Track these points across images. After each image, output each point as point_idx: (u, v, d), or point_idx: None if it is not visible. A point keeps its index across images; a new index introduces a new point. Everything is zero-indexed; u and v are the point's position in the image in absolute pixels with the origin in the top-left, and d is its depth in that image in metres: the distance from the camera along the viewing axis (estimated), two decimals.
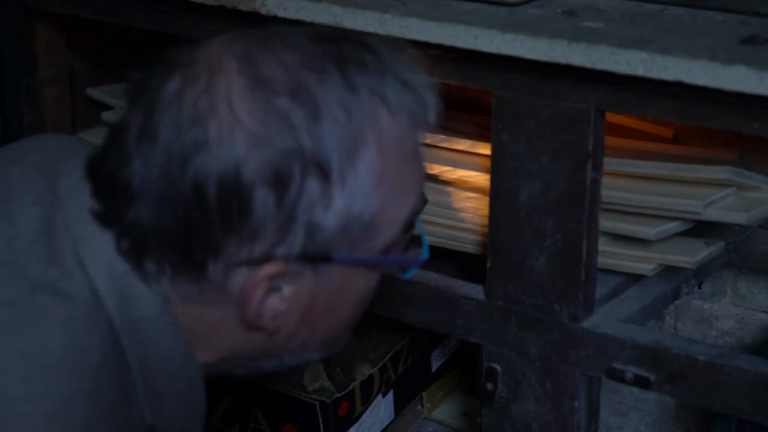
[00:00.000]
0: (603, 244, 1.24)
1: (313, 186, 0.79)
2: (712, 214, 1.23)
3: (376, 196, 0.81)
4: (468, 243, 1.30)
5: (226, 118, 0.78)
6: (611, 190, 1.23)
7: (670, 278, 1.34)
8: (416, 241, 0.90)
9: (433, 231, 1.28)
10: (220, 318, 0.84)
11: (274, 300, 0.83)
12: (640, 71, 1.02)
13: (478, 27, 1.10)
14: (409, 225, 0.86)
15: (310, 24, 1.18)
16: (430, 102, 0.84)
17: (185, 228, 0.80)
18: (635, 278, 1.30)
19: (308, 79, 0.79)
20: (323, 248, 0.81)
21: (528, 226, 1.17)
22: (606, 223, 1.23)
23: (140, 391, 0.84)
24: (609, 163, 1.20)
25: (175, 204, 0.79)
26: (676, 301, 1.56)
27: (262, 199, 0.78)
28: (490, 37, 1.09)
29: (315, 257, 0.81)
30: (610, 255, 1.26)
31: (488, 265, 1.22)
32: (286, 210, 0.79)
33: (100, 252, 0.82)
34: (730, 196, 1.25)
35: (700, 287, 1.57)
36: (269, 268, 0.81)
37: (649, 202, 1.23)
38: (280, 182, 0.78)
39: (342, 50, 0.82)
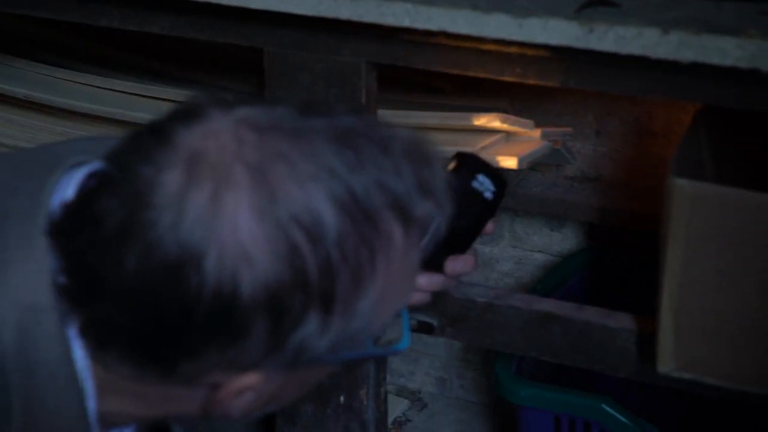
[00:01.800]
0: None
1: (312, 318, 0.72)
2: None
3: (373, 316, 0.75)
4: None
5: (229, 238, 0.70)
6: None
7: None
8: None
9: None
10: (179, 395, 0.78)
11: (246, 398, 0.77)
12: (406, 23, 1.03)
13: None
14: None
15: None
16: (447, 210, 0.76)
17: (163, 335, 0.73)
18: None
19: (323, 203, 0.71)
20: (308, 361, 0.75)
21: None
22: None
23: None
24: (382, 114, 1.22)
25: (156, 312, 0.71)
26: None
27: (256, 325, 0.72)
28: None
29: (298, 367, 0.76)
30: None
31: None
32: (279, 337, 0.73)
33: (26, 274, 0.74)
34: (500, 141, 1.29)
35: None
36: (248, 379, 0.75)
37: None
38: (277, 311, 0.71)
39: (362, 154, 0.73)
